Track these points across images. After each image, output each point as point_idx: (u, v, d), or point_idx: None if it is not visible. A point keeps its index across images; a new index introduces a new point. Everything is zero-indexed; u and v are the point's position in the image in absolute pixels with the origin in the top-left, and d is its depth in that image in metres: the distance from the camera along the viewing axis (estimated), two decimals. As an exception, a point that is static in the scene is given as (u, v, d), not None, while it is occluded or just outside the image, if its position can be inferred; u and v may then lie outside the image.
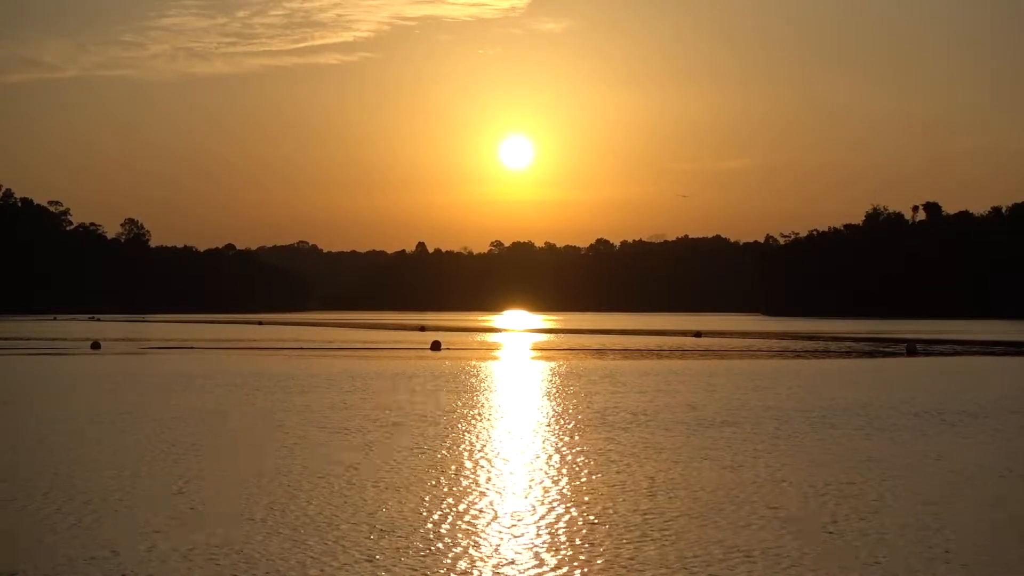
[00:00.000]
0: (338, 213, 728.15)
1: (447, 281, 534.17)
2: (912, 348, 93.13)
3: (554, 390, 48.59)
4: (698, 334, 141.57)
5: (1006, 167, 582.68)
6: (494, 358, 79.14)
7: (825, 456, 27.53)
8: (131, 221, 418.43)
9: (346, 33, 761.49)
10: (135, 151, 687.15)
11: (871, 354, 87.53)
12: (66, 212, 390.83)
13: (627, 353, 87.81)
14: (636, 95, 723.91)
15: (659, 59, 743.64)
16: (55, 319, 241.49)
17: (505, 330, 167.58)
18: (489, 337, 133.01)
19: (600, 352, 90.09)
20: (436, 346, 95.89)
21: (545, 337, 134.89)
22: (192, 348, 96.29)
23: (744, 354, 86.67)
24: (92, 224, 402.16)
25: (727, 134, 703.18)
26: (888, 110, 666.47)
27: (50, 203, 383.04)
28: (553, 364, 70.68)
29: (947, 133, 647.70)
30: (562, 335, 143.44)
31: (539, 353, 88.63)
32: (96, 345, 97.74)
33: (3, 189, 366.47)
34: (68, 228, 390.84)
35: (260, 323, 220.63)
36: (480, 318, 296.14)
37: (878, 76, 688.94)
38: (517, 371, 63.94)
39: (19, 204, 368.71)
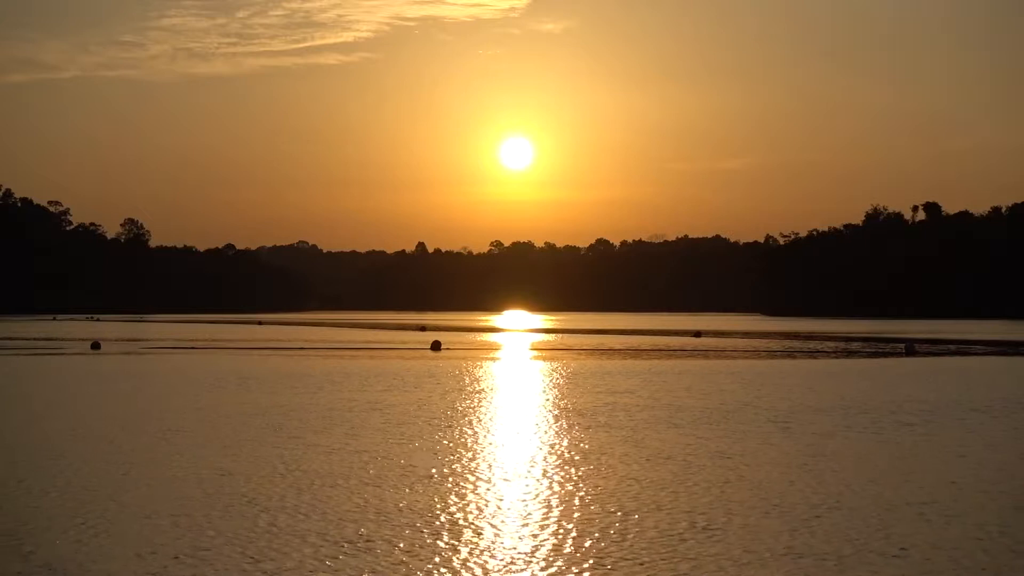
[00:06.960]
0: (338, 213, 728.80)
1: (447, 281, 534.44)
2: (911, 348, 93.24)
3: (556, 390, 48.67)
4: (698, 334, 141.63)
5: (1006, 167, 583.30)
6: (494, 358, 79.23)
7: (868, 452, 27.84)
8: (131, 221, 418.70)
9: (346, 33, 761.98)
10: (135, 151, 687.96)
11: (870, 354, 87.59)
12: (66, 212, 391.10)
13: (627, 353, 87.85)
14: (635, 95, 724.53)
15: (658, 59, 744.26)
16: (55, 319, 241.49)
17: (505, 330, 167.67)
18: (489, 337, 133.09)
19: (601, 352, 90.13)
20: (436, 346, 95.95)
21: (545, 337, 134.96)
22: (195, 349, 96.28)
23: (745, 354, 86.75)
24: (92, 224, 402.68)
25: (726, 134, 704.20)
26: (888, 109, 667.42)
27: (50, 203, 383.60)
28: (554, 364, 70.75)
29: (947, 132, 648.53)
30: (562, 335, 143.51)
31: (539, 353, 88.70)
32: (96, 345, 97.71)
33: (3, 189, 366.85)
34: (68, 228, 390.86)
35: (260, 323, 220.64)
36: (480, 318, 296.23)
37: (877, 75, 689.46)
38: (517, 371, 64.03)
39: (19, 204, 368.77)
